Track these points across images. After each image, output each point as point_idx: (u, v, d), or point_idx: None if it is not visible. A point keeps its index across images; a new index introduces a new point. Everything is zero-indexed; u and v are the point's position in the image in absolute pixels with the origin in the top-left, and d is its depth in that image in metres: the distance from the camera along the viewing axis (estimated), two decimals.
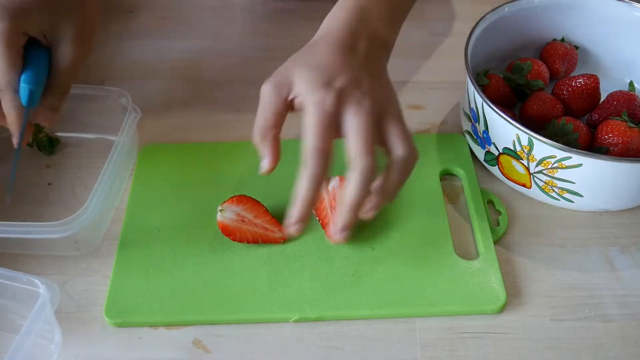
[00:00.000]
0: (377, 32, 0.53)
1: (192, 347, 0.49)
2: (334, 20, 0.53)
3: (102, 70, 0.73)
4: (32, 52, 0.52)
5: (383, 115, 0.48)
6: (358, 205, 0.47)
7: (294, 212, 0.47)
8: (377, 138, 0.47)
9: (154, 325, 0.50)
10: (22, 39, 0.51)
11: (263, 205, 0.55)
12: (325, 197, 0.54)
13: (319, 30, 0.54)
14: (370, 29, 0.53)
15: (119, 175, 0.57)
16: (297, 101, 0.48)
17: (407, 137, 0.49)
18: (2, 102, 0.53)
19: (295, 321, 0.50)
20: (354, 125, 0.47)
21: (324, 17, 0.57)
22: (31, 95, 0.52)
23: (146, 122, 0.64)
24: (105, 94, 0.60)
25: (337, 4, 0.55)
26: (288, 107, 0.49)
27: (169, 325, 0.50)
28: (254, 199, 0.55)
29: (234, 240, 0.54)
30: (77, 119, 0.64)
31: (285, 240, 0.54)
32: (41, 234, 0.50)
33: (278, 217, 0.54)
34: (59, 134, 0.65)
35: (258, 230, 0.53)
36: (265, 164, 0.48)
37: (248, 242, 0.54)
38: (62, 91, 0.55)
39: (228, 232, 0.53)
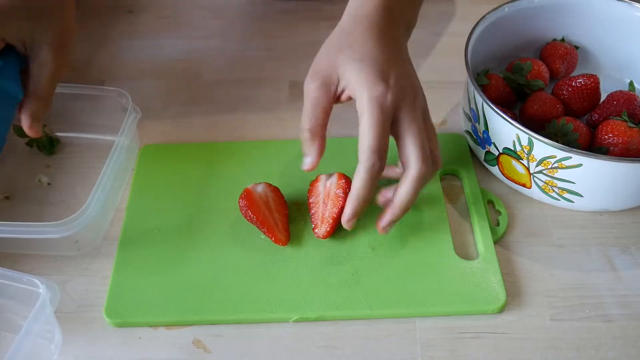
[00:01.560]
0: (404, 16, 0.53)
1: (192, 347, 0.49)
2: (366, 3, 0.51)
3: (102, 70, 0.73)
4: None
5: (425, 116, 0.50)
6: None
7: (349, 209, 0.49)
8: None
9: (154, 325, 0.50)
10: (0, 45, 0.50)
11: (287, 208, 0.55)
12: (321, 192, 0.54)
13: (347, 14, 0.52)
14: (399, 13, 0.52)
15: (119, 175, 0.57)
16: (346, 94, 0.49)
17: (427, 154, 0.49)
18: None
19: (295, 321, 0.50)
20: (410, 131, 0.48)
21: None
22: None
23: (146, 122, 0.64)
24: (105, 94, 0.60)
25: None
26: (335, 102, 0.49)
27: (169, 325, 0.50)
28: (285, 199, 0.55)
29: (248, 208, 0.53)
30: (77, 119, 0.64)
31: (285, 245, 0.54)
32: (41, 234, 0.50)
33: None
34: (59, 134, 0.65)
35: (270, 220, 0.53)
36: (310, 162, 0.49)
37: (255, 221, 0.53)
38: (44, 98, 0.52)
39: (250, 199, 0.54)
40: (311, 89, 0.49)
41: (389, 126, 0.48)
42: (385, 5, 0.51)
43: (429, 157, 0.48)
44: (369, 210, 0.56)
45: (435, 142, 0.51)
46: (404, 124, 0.48)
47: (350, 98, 0.49)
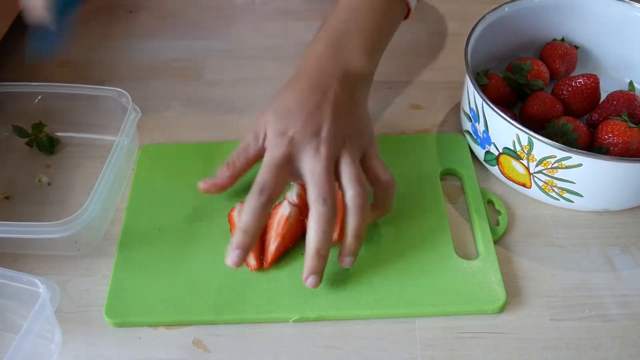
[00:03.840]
0: (351, 67, 0.55)
1: (192, 347, 0.49)
2: (310, 56, 0.56)
3: (102, 70, 0.73)
4: None
5: (340, 157, 0.51)
6: (321, 250, 0.49)
7: (234, 240, 0.49)
8: (333, 182, 0.50)
9: (154, 325, 0.50)
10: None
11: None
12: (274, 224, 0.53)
13: (299, 63, 0.56)
14: (343, 64, 0.54)
15: (119, 175, 0.57)
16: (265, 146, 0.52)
17: (357, 178, 0.50)
18: None
19: (295, 321, 0.50)
20: (308, 172, 0.50)
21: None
22: None
23: (146, 122, 0.64)
24: (106, 94, 0.60)
25: (315, 37, 0.57)
26: (261, 152, 0.53)
27: (169, 325, 0.50)
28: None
29: (232, 231, 0.54)
30: (78, 119, 0.64)
31: (255, 270, 0.52)
32: (41, 233, 0.50)
33: None
34: (59, 134, 0.65)
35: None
36: (205, 186, 0.54)
37: None
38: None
39: (231, 223, 0.55)
40: (244, 140, 0.54)
41: (283, 169, 0.50)
42: (324, 59, 0.55)
43: (325, 196, 0.48)
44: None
45: (356, 190, 0.49)
46: (302, 169, 0.50)
47: None
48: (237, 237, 0.48)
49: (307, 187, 0.50)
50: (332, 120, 0.51)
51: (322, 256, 0.49)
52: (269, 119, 0.53)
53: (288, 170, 0.50)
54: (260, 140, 0.53)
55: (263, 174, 0.50)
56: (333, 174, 0.50)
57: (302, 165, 0.50)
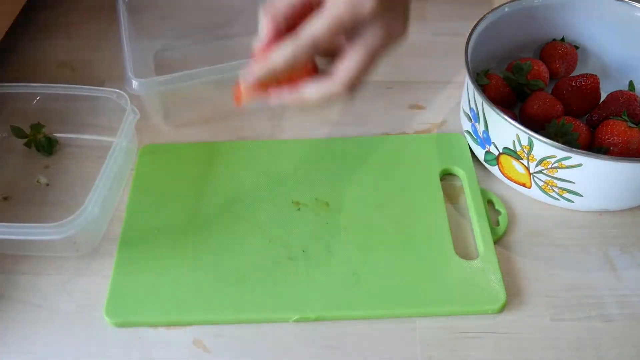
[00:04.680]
0: None
1: (192, 347, 0.49)
2: None
3: (102, 70, 0.73)
4: None
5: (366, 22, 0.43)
6: (277, 70, 0.43)
7: (256, 69, 0.44)
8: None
9: (154, 325, 0.50)
10: None
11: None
12: None
13: None
14: None
15: (117, 176, 0.57)
16: None
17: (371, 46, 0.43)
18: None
19: (295, 321, 0.50)
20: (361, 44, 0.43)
21: None
22: None
23: (146, 122, 0.64)
24: (104, 95, 0.60)
25: None
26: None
27: (169, 325, 0.50)
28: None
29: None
30: (76, 120, 0.64)
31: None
32: (39, 235, 0.49)
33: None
34: (57, 134, 0.64)
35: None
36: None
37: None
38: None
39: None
40: None
41: (346, 30, 0.42)
42: None
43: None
44: (367, 211, 0.56)
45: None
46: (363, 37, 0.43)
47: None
48: (256, 67, 0.43)
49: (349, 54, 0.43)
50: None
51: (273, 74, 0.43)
52: None
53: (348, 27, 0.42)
54: None
55: (323, 25, 0.41)
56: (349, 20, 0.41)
57: (363, 32, 0.42)
